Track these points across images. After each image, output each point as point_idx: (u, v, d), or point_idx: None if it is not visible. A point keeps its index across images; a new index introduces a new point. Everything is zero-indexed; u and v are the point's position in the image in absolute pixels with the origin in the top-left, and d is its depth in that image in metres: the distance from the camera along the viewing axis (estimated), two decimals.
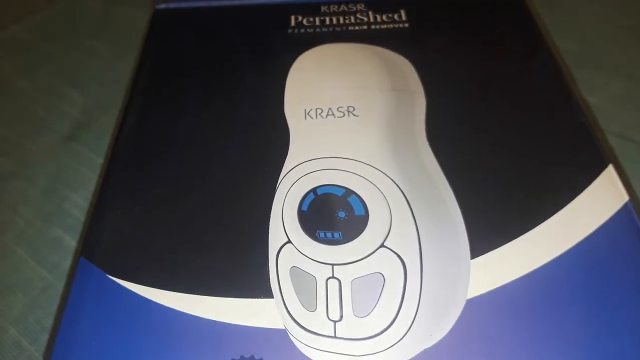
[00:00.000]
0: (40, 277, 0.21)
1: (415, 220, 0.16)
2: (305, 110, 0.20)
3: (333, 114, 0.20)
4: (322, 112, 0.20)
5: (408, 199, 0.17)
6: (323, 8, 0.25)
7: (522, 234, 0.16)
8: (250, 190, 0.18)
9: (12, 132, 0.26)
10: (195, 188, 0.18)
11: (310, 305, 0.15)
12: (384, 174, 0.18)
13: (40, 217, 0.22)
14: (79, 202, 0.23)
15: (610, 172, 0.18)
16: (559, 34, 0.27)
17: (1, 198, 0.23)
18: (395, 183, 0.18)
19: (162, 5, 0.26)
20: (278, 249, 0.16)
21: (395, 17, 0.25)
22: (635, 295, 0.15)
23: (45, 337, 0.19)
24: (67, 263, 0.21)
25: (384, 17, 0.25)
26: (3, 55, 0.30)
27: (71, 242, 0.21)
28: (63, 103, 0.27)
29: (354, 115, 0.20)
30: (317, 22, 0.25)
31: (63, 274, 0.20)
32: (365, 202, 0.17)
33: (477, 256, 0.16)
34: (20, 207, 0.23)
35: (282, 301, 0.15)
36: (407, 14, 0.25)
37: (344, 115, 0.20)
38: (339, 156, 0.19)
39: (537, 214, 0.17)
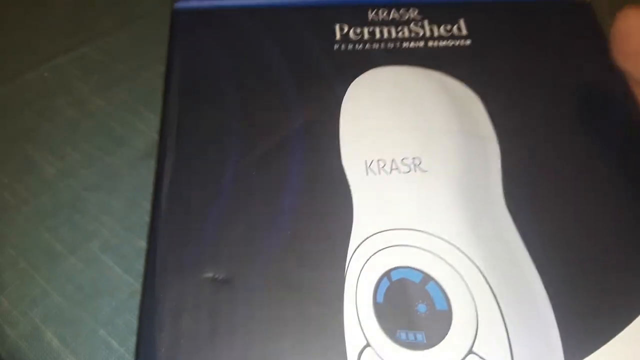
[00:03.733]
0: (127, 283, 0.22)
1: (503, 318, 0.15)
2: (366, 162, 0.18)
3: (398, 168, 0.18)
4: (384, 165, 0.18)
5: (492, 288, 0.16)
6: (371, 15, 0.22)
7: (615, 335, 0.15)
8: (316, 272, 0.16)
9: (92, 147, 0.26)
10: (250, 269, 0.16)
11: None
12: (463, 253, 0.16)
13: (124, 228, 0.23)
14: None
15: None
16: None
17: (85, 209, 0.24)
18: (476, 266, 0.16)
19: (181, 4, 0.22)
20: (358, 354, 0.15)
21: (455, 30, 0.22)
22: None
23: (134, 339, 0.18)
24: None
25: (442, 30, 0.22)
26: (77, 74, 0.30)
27: None
28: (138, 121, 0.27)
29: (422, 170, 0.18)
30: (366, 35, 0.22)
31: None
32: (446, 292, 0.16)
33: None
34: (104, 217, 0.24)
35: None
36: (467, 25, 0.22)
37: (409, 170, 0.18)
38: (410, 227, 0.17)
39: (630, 307, 0.15)
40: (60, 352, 0.20)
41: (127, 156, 0.26)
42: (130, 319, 0.21)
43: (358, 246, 0.16)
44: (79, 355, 0.20)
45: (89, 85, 0.29)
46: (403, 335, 0.15)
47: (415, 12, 0.22)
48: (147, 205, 0.24)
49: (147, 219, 0.23)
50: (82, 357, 0.20)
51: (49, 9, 0.34)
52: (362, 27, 0.22)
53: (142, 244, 0.22)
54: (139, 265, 0.21)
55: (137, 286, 0.21)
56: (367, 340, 0.15)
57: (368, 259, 0.16)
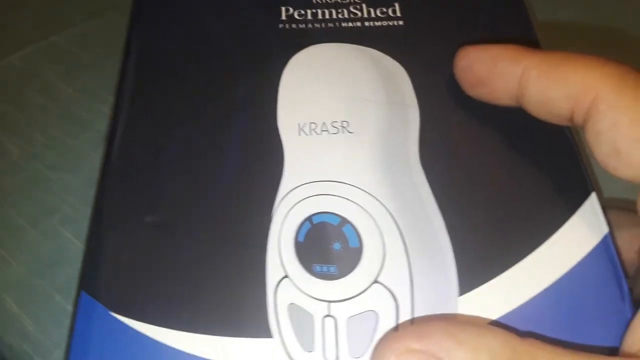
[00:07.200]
0: None
1: (407, 254, 0.17)
2: (299, 124, 0.20)
3: (327, 130, 0.20)
4: (316, 127, 0.20)
5: (401, 230, 0.18)
6: None
7: (507, 269, 0.17)
8: (247, 217, 0.18)
9: (58, 131, 0.28)
10: (190, 214, 0.18)
11: (308, 345, 0.16)
12: (379, 201, 0.18)
13: (84, 204, 0.25)
14: None
15: (592, 200, 0.18)
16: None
17: (48, 186, 0.26)
18: (389, 212, 0.18)
19: None
20: (276, 283, 0.17)
21: (390, 12, 0.24)
22: (612, 330, 0.16)
23: None
24: None
25: (378, 12, 0.24)
26: (45, 62, 0.32)
27: None
28: (104, 107, 0.29)
29: (349, 132, 0.20)
30: (309, 16, 0.24)
31: None
32: (360, 232, 0.18)
33: (464, 292, 0.16)
34: (65, 194, 0.26)
35: (281, 341, 0.16)
36: (401, 8, 0.24)
37: (338, 132, 0.20)
38: (334, 179, 0.19)
39: (524, 246, 0.17)
40: (19, 316, 0.22)
41: (91, 139, 0.28)
42: None
43: (285, 195, 0.18)
44: (37, 319, 0.22)
45: (57, 73, 0.31)
46: (318, 268, 0.17)
47: None
48: None
49: None
50: (40, 320, 0.22)
51: (21, 0, 0.35)
52: (305, 9, 0.24)
53: None
54: None
55: None
56: (285, 273, 0.17)
57: (294, 206, 0.18)
